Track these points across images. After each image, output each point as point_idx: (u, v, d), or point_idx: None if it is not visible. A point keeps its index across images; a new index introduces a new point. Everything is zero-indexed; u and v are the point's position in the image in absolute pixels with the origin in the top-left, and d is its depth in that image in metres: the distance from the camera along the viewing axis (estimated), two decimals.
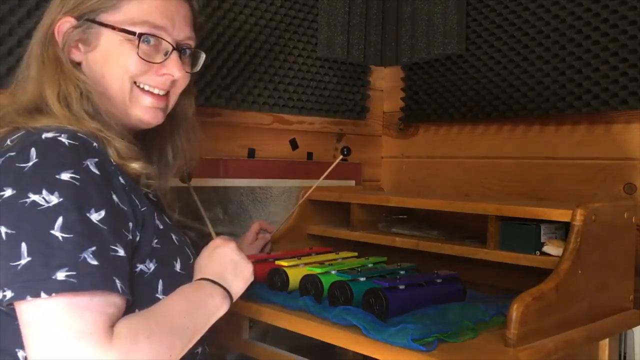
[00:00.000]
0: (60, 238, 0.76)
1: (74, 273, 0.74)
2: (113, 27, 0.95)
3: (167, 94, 1.03)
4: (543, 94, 1.53)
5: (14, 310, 0.81)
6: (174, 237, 0.98)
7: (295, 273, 1.22)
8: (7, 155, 0.82)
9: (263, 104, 1.66)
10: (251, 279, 1.03)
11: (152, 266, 0.89)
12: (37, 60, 0.96)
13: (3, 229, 0.77)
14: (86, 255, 0.76)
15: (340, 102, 1.84)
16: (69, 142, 0.83)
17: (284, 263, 1.25)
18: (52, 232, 0.76)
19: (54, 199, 0.77)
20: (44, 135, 0.84)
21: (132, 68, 0.97)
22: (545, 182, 1.57)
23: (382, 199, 1.50)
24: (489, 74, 1.65)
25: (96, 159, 0.85)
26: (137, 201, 0.90)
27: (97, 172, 0.84)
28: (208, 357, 1.06)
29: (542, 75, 1.53)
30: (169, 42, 1.00)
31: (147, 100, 1.00)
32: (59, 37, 0.96)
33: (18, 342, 0.82)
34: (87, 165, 0.83)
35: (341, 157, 1.44)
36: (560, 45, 1.49)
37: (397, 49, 1.84)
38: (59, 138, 0.83)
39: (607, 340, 1.18)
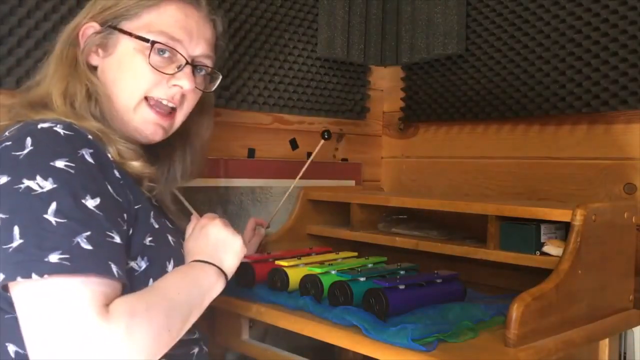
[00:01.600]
0: (54, 222, 0.76)
1: (67, 256, 0.74)
2: (130, 34, 0.97)
3: (173, 113, 1.03)
4: (543, 94, 1.53)
5: (5, 303, 0.81)
6: (170, 238, 0.98)
7: (295, 273, 1.23)
8: (3, 145, 0.83)
9: (263, 104, 1.66)
10: (242, 252, 1.02)
11: (143, 264, 0.89)
12: (55, 58, 0.99)
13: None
14: (80, 240, 0.76)
15: (340, 102, 1.84)
16: (64, 132, 0.84)
17: (284, 263, 1.25)
18: (45, 216, 0.76)
19: (48, 185, 0.78)
20: (39, 125, 0.85)
21: (143, 77, 0.97)
22: (545, 182, 1.57)
23: (382, 199, 1.50)
24: (489, 74, 1.65)
25: (91, 150, 0.85)
26: (131, 197, 0.90)
27: (92, 161, 0.84)
28: (207, 357, 1.05)
29: (542, 75, 1.53)
30: (183, 56, 1.00)
31: (151, 116, 1.00)
32: (82, 39, 0.99)
33: (8, 336, 0.82)
34: (83, 154, 0.83)
35: (322, 141, 1.43)
36: (560, 45, 1.49)
37: (397, 49, 1.84)
38: (55, 128, 0.84)
39: (607, 340, 1.18)
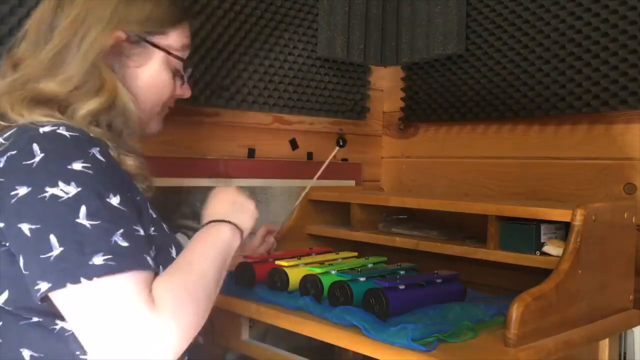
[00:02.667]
0: (88, 226, 0.77)
1: (110, 256, 0.76)
2: (167, 52, 1.02)
3: None
4: (543, 94, 1.53)
5: (20, 309, 0.82)
6: (164, 226, 1.00)
7: (295, 273, 1.22)
8: (8, 154, 0.82)
9: (263, 104, 1.66)
10: (255, 213, 1.05)
11: (151, 253, 0.89)
12: (85, 67, 0.92)
13: (26, 226, 0.77)
14: (116, 239, 0.78)
15: (340, 102, 1.84)
16: (69, 134, 0.84)
17: (284, 263, 1.25)
18: (78, 221, 0.77)
19: (72, 190, 0.78)
20: (41, 130, 0.83)
21: (167, 90, 1.05)
22: (545, 182, 1.57)
23: (382, 199, 1.50)
24: (489, 74, 1.65)
25: (98, 148, 0.86)
26: (133, 190, 0.92)
27: (103, 159, 0.85)
28: (202, 347, 1.06)
29: (542, 75, 1.53)
30: (186, 68, 1.09)
31: (161, 121, 1.09)
32: (115, 48, 0.96)
33: (23, 342, 0.83)
34: (93, 153, 0.84)
35: (337, 148, 1.43)
36: (560, 45, 1.49)
37: (397, 49, 1.84)
38: (58, 131, 0.84)
39: (607, 340, 1.18)
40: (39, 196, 0.78)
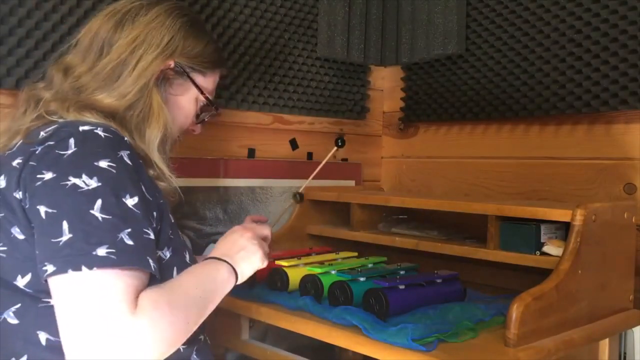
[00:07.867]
0: (100, 218, 0.81)
1: (113, 250, 0.79)
2: (201, 91, 1.10)
3: None
4: (543, 94, 1.53)
5: (40, 292, 0.85)
6: (179, 232, 1.04)
7: (295, 273, 1.23)
8: (47, 144, 0.88)
9: (263, 104, 1.66)
10: (258, 264, 1.06)
11: (168, 254, 0.94)
12: (137, 83, 1.00)
13: (43, 209, 0.82)
14: (123, 236, 0.82)
15: (340, 102, 1.84)
16: (104, 135, 0.90)
17: (284, 263, 1.25)
18: (91, 212, 0.81)
19: (93, 183, 0.83)
20: (80, 128, 0.89)
21: (188, 122, 1.13)
22: (545, 182, 1.57)
23: (382, 199, 1.50)
24: (489, 74, 1.65)
25: (128, 151, 0.91)
26: (157, 194, 0.97)
27: (129, 162, 0.90)
28: (209, 347, 1.06)
29: (542, 75, 1.53)
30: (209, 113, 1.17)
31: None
32: (160, 74, 1.03)
33: (40, 324, 0.86)
34: (122, 155, 0.89)
35: (335, 148, 1.43)
36: (560, 45, 1.49)
37: (397, 49, 1.84)
38: (95, 131, 0.89)
39: (607, 340, 1.18)
40: (61, 183, 0.83)
